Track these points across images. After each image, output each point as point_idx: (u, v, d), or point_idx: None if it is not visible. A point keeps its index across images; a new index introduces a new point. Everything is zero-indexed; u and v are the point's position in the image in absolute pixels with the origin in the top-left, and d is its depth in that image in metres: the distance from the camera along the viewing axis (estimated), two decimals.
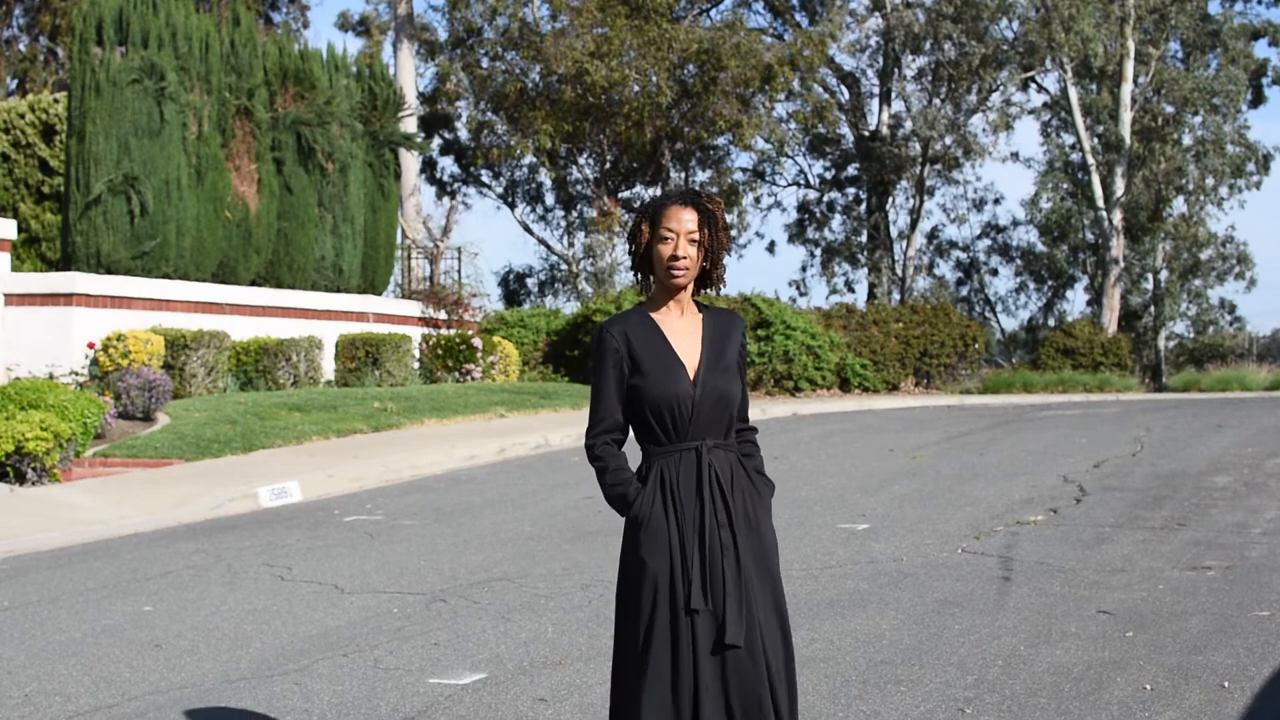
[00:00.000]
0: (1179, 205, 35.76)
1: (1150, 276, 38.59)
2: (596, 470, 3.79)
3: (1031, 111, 38.02)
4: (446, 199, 36.43)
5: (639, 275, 3.82)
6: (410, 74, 30.46)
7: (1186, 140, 34.43)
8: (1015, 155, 52.03)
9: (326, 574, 8.29)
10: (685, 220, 3.70)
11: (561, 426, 16.79)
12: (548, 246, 36.48)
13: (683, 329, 3.77)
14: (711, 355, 3.75)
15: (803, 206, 38.95)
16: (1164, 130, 33.85)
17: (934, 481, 11.74)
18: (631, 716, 3.63)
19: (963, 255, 40.73)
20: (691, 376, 3.71)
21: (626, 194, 34.48)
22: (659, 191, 32.98)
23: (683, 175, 33.94)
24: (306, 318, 20.15)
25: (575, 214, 35.76)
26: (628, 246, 3.83)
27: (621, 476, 3.75)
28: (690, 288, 3.78)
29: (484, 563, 8.51)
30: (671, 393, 3.68)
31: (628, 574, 3.69)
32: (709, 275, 3.78)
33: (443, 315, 23.64)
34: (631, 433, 3.85)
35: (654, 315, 3.78)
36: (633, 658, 3.65)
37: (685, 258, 3.70)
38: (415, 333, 22.33)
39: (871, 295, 35.80)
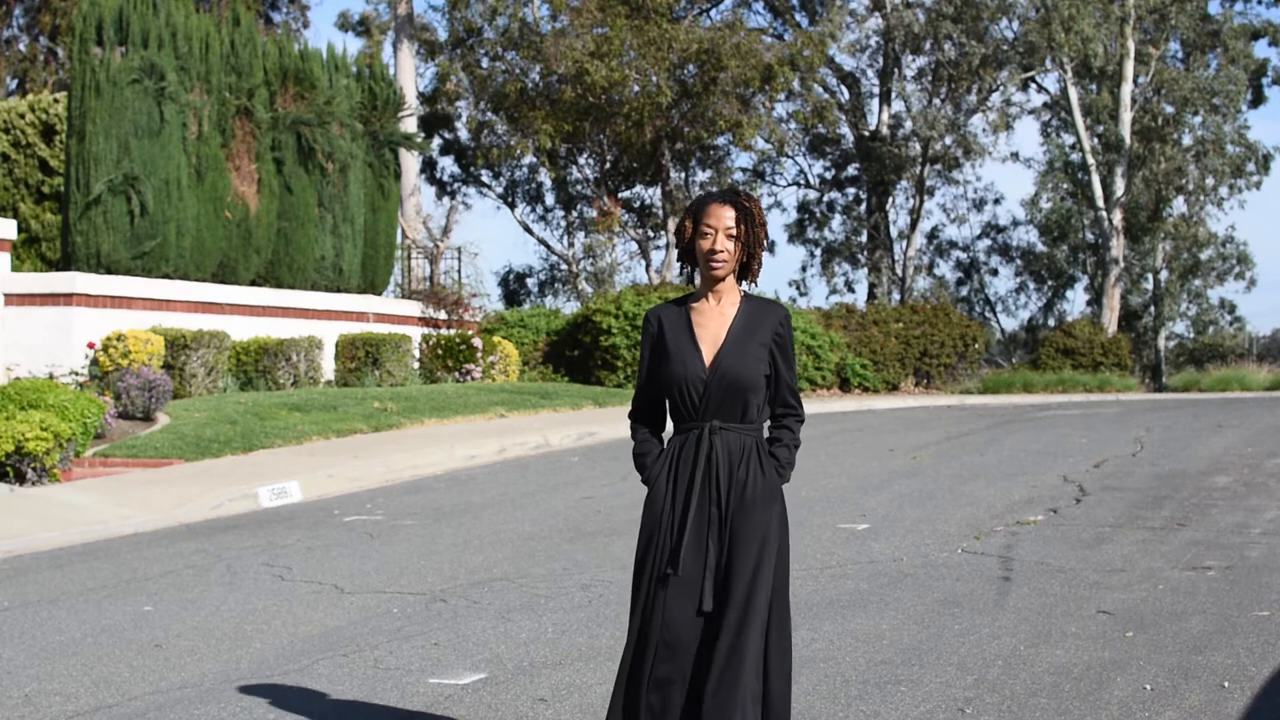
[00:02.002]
0: (1179, 205, 35.77)
1: (1150, 276, 38.60)
2: (631, 439, 4.25)
3: (1031, 111, 38.06)
4: (446, 199, 36.45)
5: (684, 268, 4.17)
6: (410, 74, 30.46)
7: (1186, 140, 34.43)
8: (1015, 155, 52.03)
9: (326, 574, 8.29)
10: (724, 217, 4.05)
11: (561, 426, 16.79)
12: (548, 246, 36.50)
13: (714, 317, 4.09)
14: (734, 342, 4.04)
15: (803, 206, 38.97)
16: (1164, 130, 33.85)
17: (934, 481, 11.74)
18: (624, 650, 4.04)
19: (963, 255, 40.76)
20: (709, 362, 4.03)
21: (626, 194, 34.47)
22: (659, 191, 33.14)
23: (683, 175, 33.94)
24: (306, 318, 20.14)
25: (575, 214, 35.76)
26: (674, 242, 4.25)
27: (645, 446, 4.19)
28: (731, 279, 4.11)
29: (484, 563, 8.51)
30: (682, 375, 4.03)
31: (639, 532, 4.11)
32: (748, 267, 4.11)
33: (443, 315, 23.64)
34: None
35: (692, 304, 4.13)
36: (633, 608, 4.06)
37: (723, 251, 4.04)
38: (415, 333, 22.33)
39: (871, 295, 35.81)
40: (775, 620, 4.01)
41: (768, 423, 4.21)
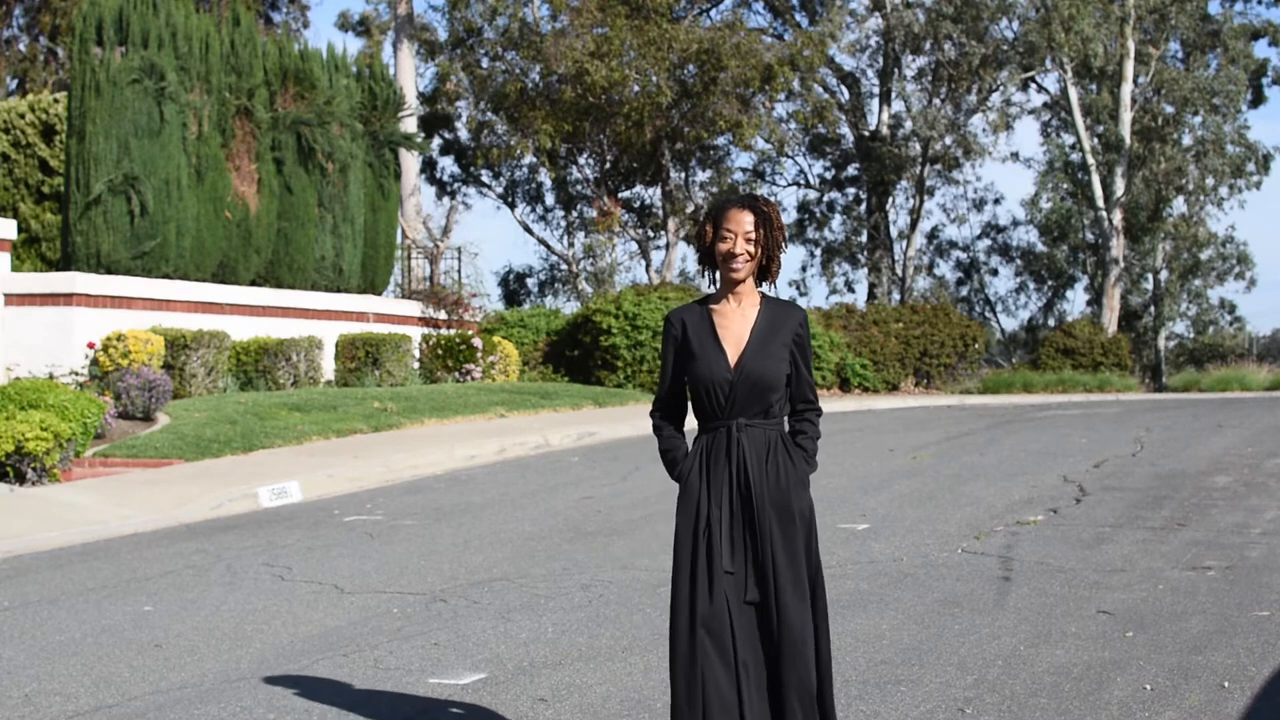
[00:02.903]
0: (1179, 205, 35.76)
1: (1150, 276, 38.59)
2: (656, 437, 4.39)
3: (1031, 111, 38.04)
4: (446, 199, 36.45)
5: (705, 271, 4.31)
6: (410, 74, 30.46)
7: (1186, 140, 34.42)
8: (1015, 155, 51.98)
9: (326, 574, 8.29)
10: (744, 221, 4.18)
11: (561, 426, 16.79)
12: (548, 246, 36.49)
13: (736, 319, 4.23)
14: (757, 343, 4.18)
15: (803, 206, 38.96)
16: (1164, 130, 33.84)
17: (934, 481, 11.74)
18: (670, 640, 4.17)
19: (963, 255, 40.75)
20: (733, 362, 4.17)
21: (626, 194, 34.46)
22: (659, 191, 33.12)
23: (683, 175, 33.93)
24: (306, 318, 20.14)
25: (575, 214, 35.76)
26: (694, 246, 4.35)
27: (672, 444, 4.33)
28: (750, 282, 4.24)
29: (484, 563, 8.51)
30: (708, 376, 4.17)
31: (675, 529, 4.25)
32: (767, 270, 4.25)
33: (443, 315, 23.64)
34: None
35: (713, 306, 4.27)
36: (676, 605, 4.18)
37: (742, 254, 4.18)
38: (415, 333, 22.33)
39: (871, 295, 35.81)
40: (821, 609, 4.21)
41: (787, 416, 4.37)
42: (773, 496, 4.15)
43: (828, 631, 4.21)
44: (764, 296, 4.28)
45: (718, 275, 4.27)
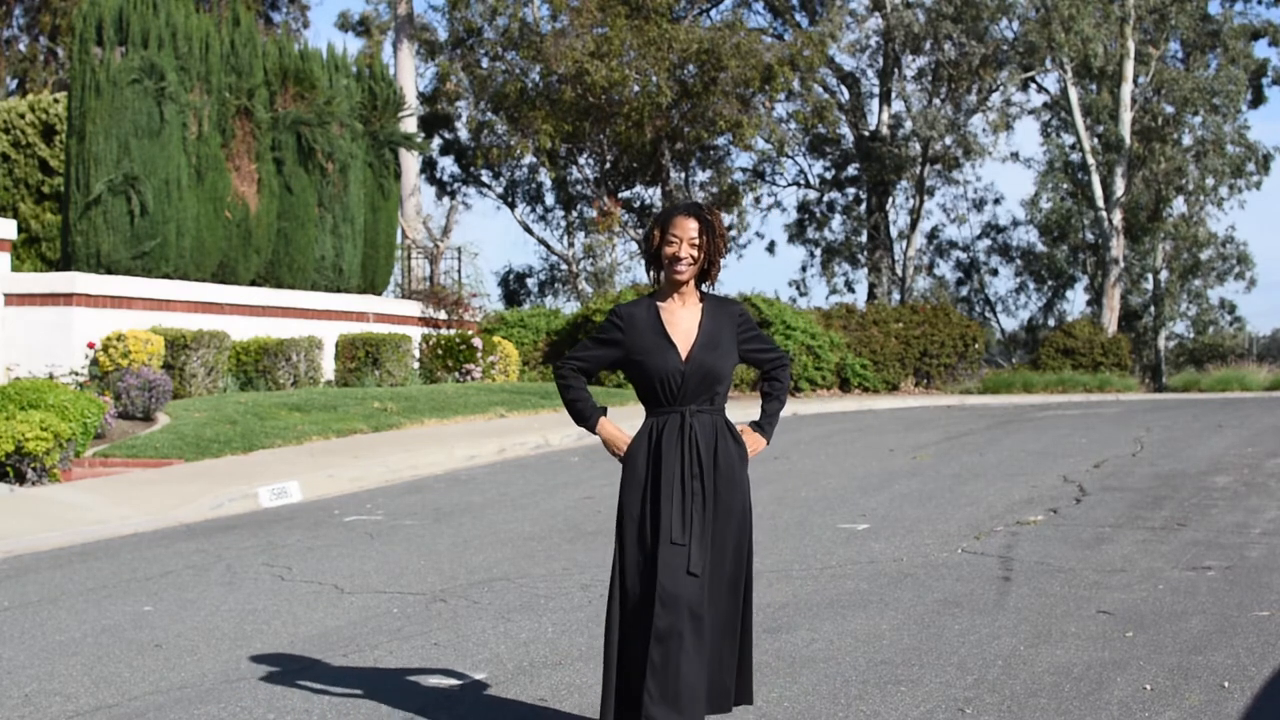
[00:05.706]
0: (1179, 205, 35.78)
1: (1150, 276, 38.59)
2: (560, 387, 4.68)
3: (1031, 111, 38.06)
4: (446, 199, 36.47)
5: (651, 272, 4.61)
6: (410, 74, 30.46)
7: (1186, 140, 34.43)
8: (1015, 155, 51.91)
9: (326, 574, 8.29)
10: (689, 228, 4.50)
11: (561, 426, 16.79)
12: (548, 246, 36.50)
13: (682, 316, 4.55)
14: (704, 337, 4.51)
15: (803, 206, 38.96)
16: (1164, 130, 33.84)
17: (934, 481, 11.74)
18: (609, 614, 4.48)
19: (963, 255, 40.75)
20: (684, 355, 4.48)
21: (626, 194, 34.46)
22: (659, 191, 33.12)
23: (683, 175, 33.93)
24: (306, 318, 20.14)
25: (575, 214, 35.77)
26: (643, 248, 4.67)
27: (581, 395, 4.65)
28: (693, 282, 4.56)
29: (484, 563, 8.51)
30: (662, 368, 4.48)
31: (619, 504, 4.57)
32: (709, 273, 4.57)
33: (443, 315, 23.64)
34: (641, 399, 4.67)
35: (660, 304, 4.58)
36: (615, 570, 4.52)
37: (686, 258, 4.50)
38: (415, 333, 22.33)
39: (871, 295, 35.81)
40: (749, 579, 4.60)
41: (762, 375, 4.77)
42: (721, 476, 4.47)
43: (751, 601, 4.60)
44: (703, 295, 4.60)
45: (662, 276, 4.57)
